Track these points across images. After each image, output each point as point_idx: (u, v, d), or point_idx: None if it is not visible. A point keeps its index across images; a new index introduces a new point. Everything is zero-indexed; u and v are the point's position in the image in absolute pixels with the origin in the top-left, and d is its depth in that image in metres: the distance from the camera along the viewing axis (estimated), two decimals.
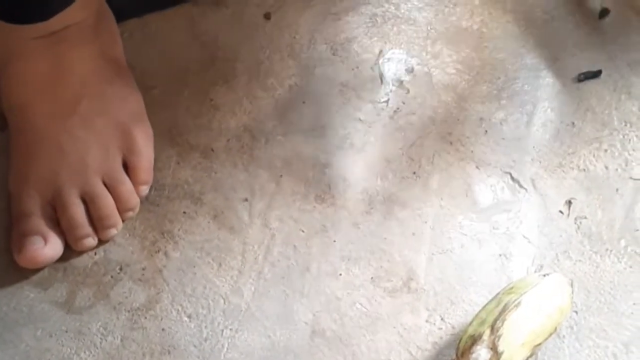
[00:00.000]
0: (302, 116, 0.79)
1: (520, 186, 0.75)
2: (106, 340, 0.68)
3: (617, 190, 0.75)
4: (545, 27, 0.84)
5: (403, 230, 0.73)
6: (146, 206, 0.74)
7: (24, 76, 0.72)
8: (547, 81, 0.81)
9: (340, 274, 0.71)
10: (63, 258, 0.71)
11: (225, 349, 0.68)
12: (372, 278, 0.71)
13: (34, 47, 0.70)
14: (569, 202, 0.74)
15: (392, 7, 0.85)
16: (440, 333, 0.68)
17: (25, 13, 0.67)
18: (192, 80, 0.80)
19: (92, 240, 0.71)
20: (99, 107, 0.72)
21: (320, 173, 0.76)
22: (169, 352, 0.67)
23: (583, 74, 0.81)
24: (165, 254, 0.72)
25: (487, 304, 0.66)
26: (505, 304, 0.64)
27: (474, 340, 0.63)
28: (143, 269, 0.71)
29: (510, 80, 0.81)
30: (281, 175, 0.76)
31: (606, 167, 0.76)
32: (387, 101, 0.80)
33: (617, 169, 0.76)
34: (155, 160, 0.75)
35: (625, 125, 0.78)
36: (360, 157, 0.77)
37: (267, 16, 0.84)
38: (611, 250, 0.72)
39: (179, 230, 0.73)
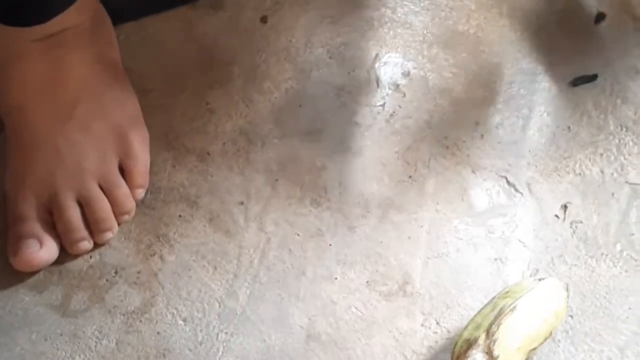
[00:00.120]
0: (298, 120, 0.79)
1: (516, 190, 0.75)
2: (101, 344, 0.68)
3: (612, 194, 0.75)
4: (541, 31, 0.84)
5: (399, 234, 0.73)
6: (142, 209, 0.74)
7: (22, 78, 0.72)
8: (543, 85, 0.81)
9: (336, 278, 0.71)
10: (58, 261, 0.71)
11: (220, 353, 0.68)
12: (367, 282, 0.71)
13: (31, 49, 0.70)
14: (565, 207, 0.75)
15: (389, 11, 0.85)
16: (436, 337, 0.68)
17: (23, 15, 0.67)
18: (189, 83, 0.80)
19: (87, 244, 0.71)
20: (96, 110, 0.72)
21: (316, 177, 0.76)
22: (164, 356, 0.67)
23: (579, 78, 0.81)
24: (161, 257, 0.72)
25: (482, 308, 0.66)
26: (501, 308, 0.64)
27: (470, 344, 0.63)
28: (138, 273, 0.71)
29: (506, 84, 0.81)
30: (277, 179, 0.76)
31: (602, 172, 0.76)
32: (383, 105, 0.80)
33: (612, 174, 0.76)
34: (151, 163, 0.75)
35: (621, 129, 0.78)
36: (356, 160, 0.77)
37: (264, 20, 0.84)
38: (607, 255, 0.72)
39: (174, 233, 0.73)
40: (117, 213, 0.72)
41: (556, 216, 0.74)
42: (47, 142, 0.71)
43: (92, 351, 0.68)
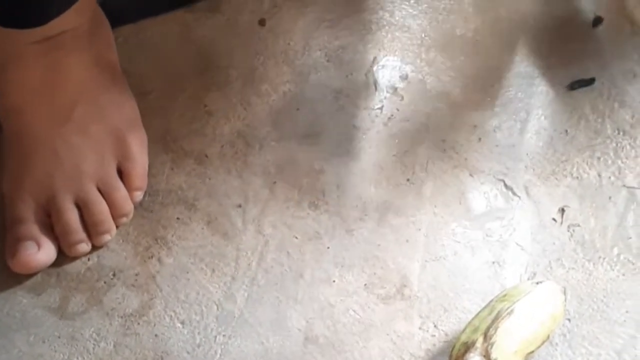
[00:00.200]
0: (296, 122, 0.79)
1: (514, 193, 0.75)
2: (99, 346, 0.68)
3: (610, 198, 0.75)
4: (538, 35, 0.84)
5: (397, 237, 0.73)
6: (140, 212, 0.74)
7: (20, 81, 0.72)
8: (541, 89, 0.81)
9: (334, 281, 0.71)
10: (56, 263, 0.71)
11: (218, 355, 0.68)
12: (365, 285, 0.71)
13: (30, 52, 0.70)
14: (562, 210, 0.75)
15: (387, 15, 0.85)
16: (433, 340, 0.68)
17: (22, 17, 0.67)
18: (187, 86, 0.80)
19: (85, 246, 0.71)
20: (94, 113, 0.72)
21: (314, 179, 0.76)
22: (162, 358, 0.67)
23: (576, 82, 0.81)
24: (159, 259, 0.72)
25: (480, 312, 0.66)
26: (498, 312, 0.64)
27: (467, 347, 0.63)
28: (136, 275, 0.71)
29: (503, 87, 0.81)
30: (275, 182, 0.76)
31: (599, 175, 0.76)
32: (381, 108, 0.80)
33: (610, 177, 0.76)
34: (150, 166, 0.75)
35: (619, 133, 0.78)
36: (354, 163, 0.77)
37: (262, 22, 0.84)
38: (604, 258, 0.72)
39: (172, 236, 0.73)
40: (115, 215, 0.72)
41: (554, 219, 0.74)
42: (45, 144, 0.71)
43: (90, 353, 0.67)
